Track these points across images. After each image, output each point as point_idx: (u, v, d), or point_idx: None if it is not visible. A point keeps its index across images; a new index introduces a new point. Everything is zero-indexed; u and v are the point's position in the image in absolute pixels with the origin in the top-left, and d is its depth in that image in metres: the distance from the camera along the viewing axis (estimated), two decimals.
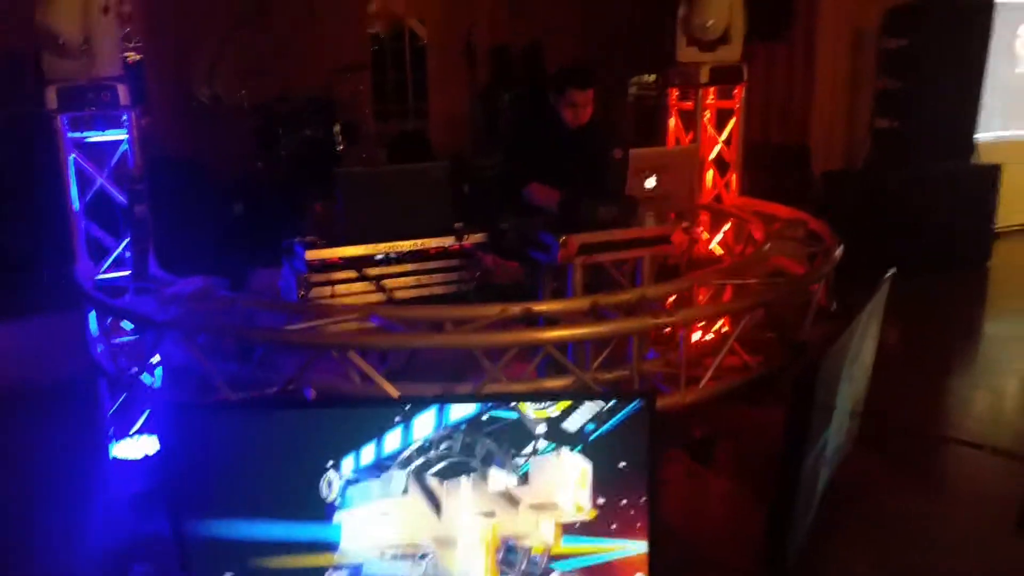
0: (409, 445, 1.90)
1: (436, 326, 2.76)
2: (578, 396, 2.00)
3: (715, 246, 4.67)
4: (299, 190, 6.89)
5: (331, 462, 1.88)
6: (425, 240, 3.26)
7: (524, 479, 1.88)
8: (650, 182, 3.60)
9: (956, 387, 4.29)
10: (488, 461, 1.88)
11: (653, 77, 9.18)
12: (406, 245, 3.23)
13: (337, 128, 7.81)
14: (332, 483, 1.87)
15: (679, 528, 2.85)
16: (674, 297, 3.23)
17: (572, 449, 1.90)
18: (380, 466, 1.91)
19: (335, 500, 1.88)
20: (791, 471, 2.43)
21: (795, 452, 2.42)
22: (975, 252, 6.44)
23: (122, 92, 3.26)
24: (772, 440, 3.17)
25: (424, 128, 9.50)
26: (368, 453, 1.93)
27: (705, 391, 2.78)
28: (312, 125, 7.83)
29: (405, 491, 1.90)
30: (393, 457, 1.91)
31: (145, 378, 2.99)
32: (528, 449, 1.88)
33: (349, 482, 1.88)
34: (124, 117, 3.32)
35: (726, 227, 4.66)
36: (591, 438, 1.91)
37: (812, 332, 3.21)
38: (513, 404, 1.86)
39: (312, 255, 3.08)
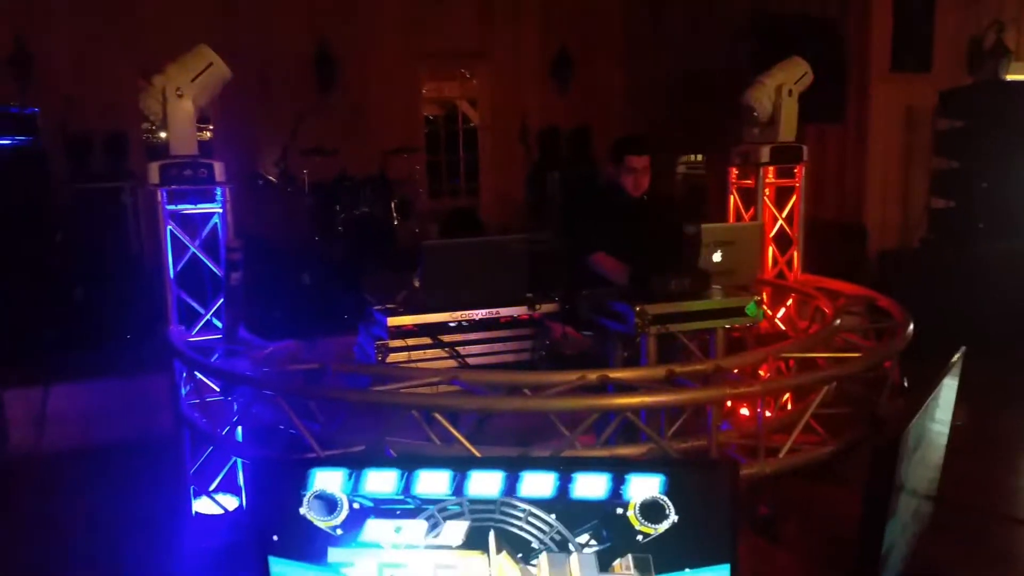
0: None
1: (514, 391, 2.81)
2: (664, 464, 2.03)
3: (779, 322, 4.68)
4: (356, 263, 7.14)
5: None
6: (499, 308, 3.35)
7: None
8: (717, 256, 3.68)
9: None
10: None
11: (700, 157, 9.39)
12: (480, 313, 3.32)
13: (393, 205, 8.09)
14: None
15: None
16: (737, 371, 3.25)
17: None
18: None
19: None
20: (874, 545, 2.39)
21: (877, 522, 2.38)
22: None
23: (218, 169, 3.47)
24: (837, 517, 3.12)
25: (475, 205, 9.79)
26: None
27: (784, 462, 2.77)
28: (368, 202, 8.12)
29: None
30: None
31: (238, 435, 3.09)
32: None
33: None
34: (218, 191, 3.52)
35: (788, 303, 4.68)
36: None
37: (887, 408, 3.19)
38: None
39: (394, 322, 3.18)
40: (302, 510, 1.99)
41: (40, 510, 3.85)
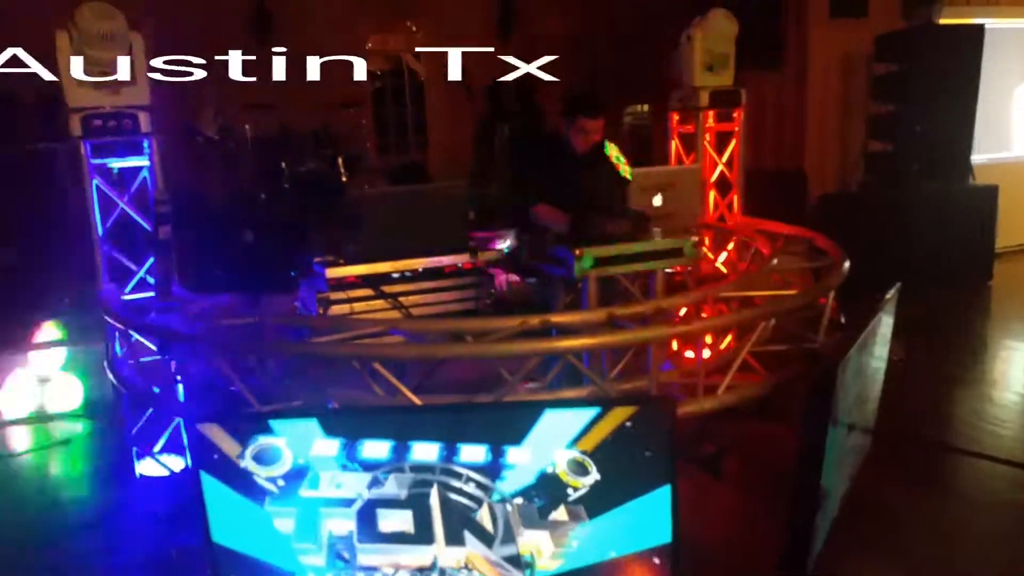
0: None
1: (456, 339, 2.81)
2: (602, 403, 2.05)
3: (720, 264, 4.75)
4: (303, 219, 7.00)
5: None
6: (439, 258, 3.33)
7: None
8: (656, 200, 3.70)
9: (965, 398, 4.34)
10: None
11: (647, 107, 9.39)
12: (421, 263, 3.30)
13: (340, 160, 7.96)
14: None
15: (690, 540, 2.87)
16: (684, 311, 3.30)
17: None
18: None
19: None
20: (812, 478, 2.46)
21: (814, 455, 2.45)
22: (976, 272, 6.54)
23: (143, 119, 3.34)
24: (780, 454, 3.22)
25: (424, 160, 9.67)
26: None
27: (723, 399, 2.83)
28: (314, 158, 7.97)
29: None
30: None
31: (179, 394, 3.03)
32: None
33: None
34: (145, 144, 3.40)
35: (730, 246, 4.75)
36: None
37: (824, 343, 3.27)
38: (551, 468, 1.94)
39: (332, 273, 3.15)
40: (243, 463, 1.98)
41: None
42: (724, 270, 4.70)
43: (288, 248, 6.21)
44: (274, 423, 1.98)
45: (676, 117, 4.75)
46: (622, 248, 3.03)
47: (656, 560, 2.05)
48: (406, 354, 2.54)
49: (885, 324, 3.28)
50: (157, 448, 3.46)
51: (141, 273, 3.40)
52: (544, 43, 9.59)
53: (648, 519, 2.01)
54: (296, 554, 2.04)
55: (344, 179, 7.96)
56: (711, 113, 4.75)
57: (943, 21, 6.72)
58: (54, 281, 5.23)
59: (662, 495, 1.99)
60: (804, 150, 7.28)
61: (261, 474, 1.99)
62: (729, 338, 4.04)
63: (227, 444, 1.98)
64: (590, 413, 1.95)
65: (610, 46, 9.06)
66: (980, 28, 6.54)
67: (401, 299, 3.40)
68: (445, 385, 3.02)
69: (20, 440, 4.18)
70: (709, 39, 4.56)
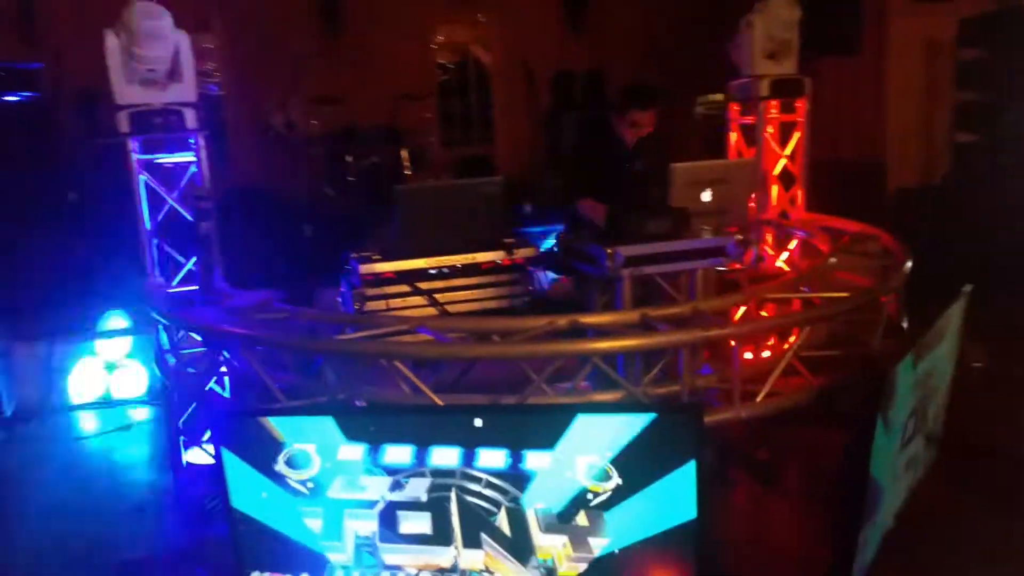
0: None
1: (485, 338, 2.76)
2: (625, 408, 1.97)
3: (782, 263, 4.54)
4: (366, 213, 7.08)
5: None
6: (475, 255, 3.27)
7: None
8: (706, 195, 3.54)
9: None
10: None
11: (721, 96, 9.09)
12: (457, 259, 3.26)
13: (404, 154, 8.01)
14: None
15: (743, 551, 2.75)
16: (742, 312, 3.14)
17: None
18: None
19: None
20: (858, 488, 2.31)
21: (863, 468, 2.30)
22: None
23: (189, 116, 3.41)
24: (838, 461, 3.04)
25: (490, 153, 9.64)
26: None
27: (762, 407, 2.68)
28: (379, 152, 8.05)
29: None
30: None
31: (214, 387, 3.09)
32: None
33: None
34: (192, 140, 3.47)
35: (793, 244, 4.53)
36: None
37: (882, 349, 3.07)
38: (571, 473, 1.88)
39: (366, 269, 3.13)
40: (276, 467, 2.01)
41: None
42: (786, 268, 4.48)
43: (347, 242, 6.31)
44: (296, 421, 1.99)
45: (736, 107, 4.55)
46: (658, 246, 2.90)
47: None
48: (427, 353, 2.50)
49: (952, 329, 3.05)
50: (205, 438, 3.54)
51: (188, 266, 3.47)
52: (614, 33, 9.46)
53: (671, 531, 1.91)
54: (324, 550, 2.07)
55: (409, 173, 8.02)
56: (774, 103, 4.53)
57: None
58: (124, 271, 5.45)
59: (686, 505, 1.90)
60: (884, 140, 6.91)
61: (293, 477, 2.01)
62: (772, 342, 3.85)
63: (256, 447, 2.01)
64: (614, 419, 1.89)
65: (684, 33, 8.80)
66: None
67: (437, 296, 3.37)
68: (480, 384, 2.98)
69: (87, 424, 4.37)
70: (769, 25, 4.34)
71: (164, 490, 3.49)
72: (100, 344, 4.58)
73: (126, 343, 4.63)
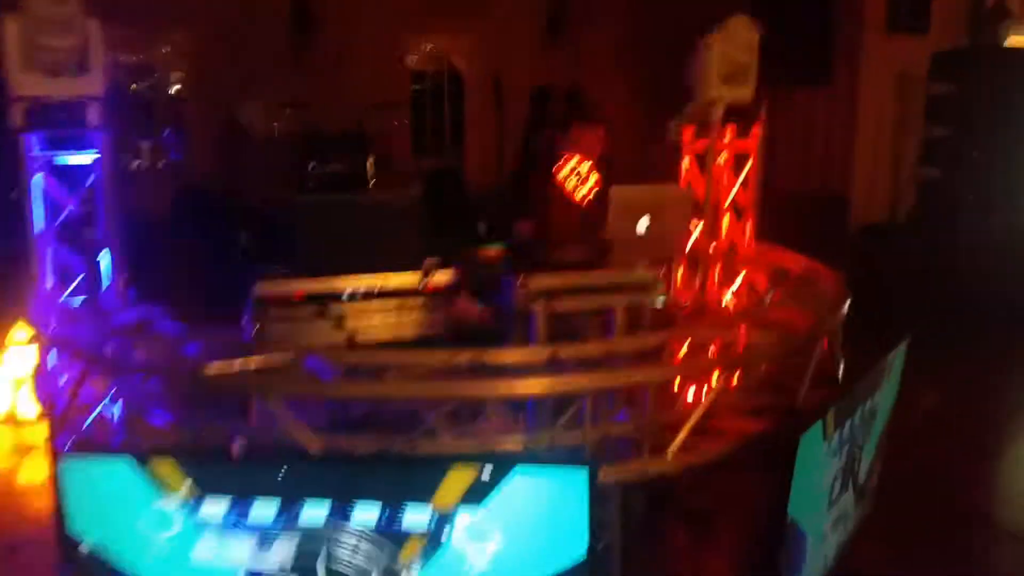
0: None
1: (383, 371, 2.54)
2: (508, 460, 1.76)
3: (729, 298, 4.35)
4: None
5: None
6: (386, 277, 3.06)
7: None
8: (642, 224, 3.35)
9: (1002, 464, 3.84)
10: None
11: None
12: (365, 282, 3.04)
13: (370, 162, 7.79)
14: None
15: None
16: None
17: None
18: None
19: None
20: (775, 545, 2.12)
21: (779, 526, 2.11)
22: None
23: (92, 111, 3.18)
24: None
25: (460, 166, 9.45)
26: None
27: (674, 463, 2.47)
28: (344, 159, 7.82)
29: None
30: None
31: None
32: None
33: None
34: (95, 138, 3.24)
35: (740, 278, 4.35)
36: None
37: (810, 398, 2.88)
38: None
39: (262, 289, 2.90)
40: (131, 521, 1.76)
41: None
42: (731, 303, 4.29)
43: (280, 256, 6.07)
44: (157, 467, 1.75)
45: (690, 132, 4.37)
46: (574, 278, 2.69)
47: None
48: (301, 391, 2.27)
49: (892, 378, 2.87)
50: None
51: (80, 277, 3.24)
52: (594, 49, 9.31)
53: None
54: None
55: (372, 181, 7.80)
56: (730, 130, 4.35)
57: (1010, 43, 6.14)
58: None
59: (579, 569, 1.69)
60: (852, 173, 6.77)
61: (150, 533, 1.77)
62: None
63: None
64: (498, 471, 1.67)
65: (662, 53, 8.66)
66: None
67: (349, 321, 3.16)
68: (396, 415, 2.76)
69: None
70: (728, 46, 4.16)
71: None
72: (7, 356, 4.30)
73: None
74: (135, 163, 8.78)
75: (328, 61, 8.42)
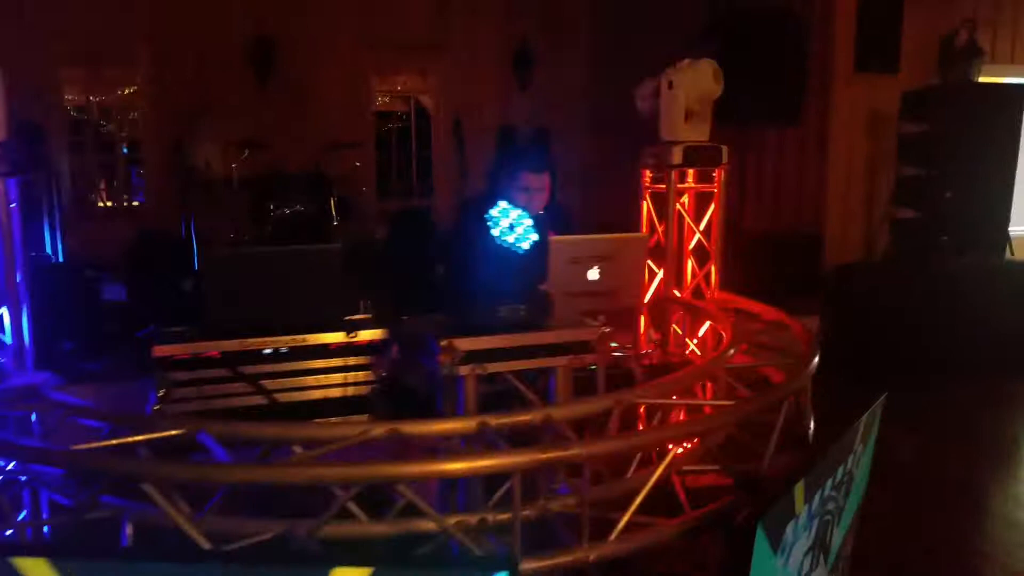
0: None
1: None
2: (402, 560, 1.44)
3: (694, 347, 4.08)
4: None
5: None
6: (305, 335, 2.76)
7: None
8: (593, 273, 3.08)
9: (985, 519, 3.55)
10: None
11: None
12: (276, 341, 2.74)
13: (332, 203, 7.54)
14: None
15: None
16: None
17: None
18: None
19: None
20: None
21: None
22: (1014, 360, 5.63)
23: None
24: None
25: (428, 206, 9.24)
26: None
27: (613, 546, 2.17)
28: (305, 200, 7.55)
29: None
30: None
31: None
32: None
33: None
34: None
35: (703, 330, 4.08)
36: None
37: (773, 466, 2.59)
38: None
39: (162, 351, 2.59)
40: None
41: None
42: (698, 353, 4.02)
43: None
44: None
45: (648, 175, 4.14)
46: (507, 339, 2.40)
47: None
48: (176, 474, 1.94)
49: (868, 440, 2.59)
50: None
51: None
52: (562, 89, 9.19)
53: None
54: None
55: (335, 223, 7.54)
56: (692, 173, 4.13)
57: (982, 79, 6.02)
58: None
59: None
60: (825, 214, 6.59)
61: None
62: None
63: None
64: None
65: (628, 94, 8.54)
66: (1022, 88, 5.80)
67: (268, 383, 2.85)
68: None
69: None
70: (690, 88, 3.96)
71: None
72: None
73: None
74: (97, 203, 8.57)
75: (289, 101, 8.25)
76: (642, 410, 3.00)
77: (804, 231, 6.57)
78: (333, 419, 2.75)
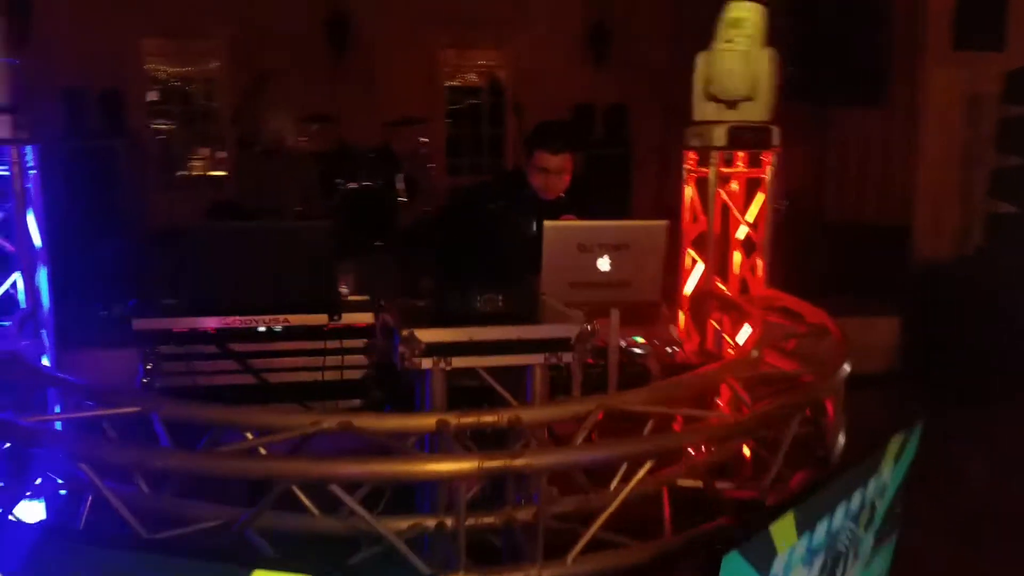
0: None
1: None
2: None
3: (731, 347, 3.76)
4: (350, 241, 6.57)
5: None
6: (287, 316, 2.66)
7: None
8: (603, 264, 2.85)
9: None
10: None
11: None
12: (262, 320, 2.65)
13: (401, 179, 7.52)
14: None
15: None
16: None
17: None
18: None
19: None
20: None
21: None
22: None
23: (4, 123, 2.92)
24: None
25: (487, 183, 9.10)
26: None
27: (574, 568, 1.96)
28: (373, 176, 7.57)
29: None
30: None
31: None
32: None
33: None
34: (28, 151, 3.00)
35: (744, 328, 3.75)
36: None
37: (763, 492, 2.31)
38: None
39: (140, 324, 2.55)
40: None
41: None
42: (732, 354, 3.70)
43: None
44: None
45: (693, 157, 3.83)
46: (475, 332, 2.22)
47: None
48: (110, 458, 1.88)
49: (898, 469, 2.27)
50: None
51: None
52: (639, 68, 8.83)
53: None
54: None
55: (402, 200, 7.51)
56: (742, 156, 3.79)
57: None
58: None
59: None
60: (914, 205, 6.04)
61: None
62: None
63: None
64: None
65: None
66: None
67: (261, 364, 2.78)
68: None
69: None
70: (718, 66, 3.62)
71: None
72: None
73: None
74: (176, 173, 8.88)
75: (361, 76, 8.28)
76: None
77: (889, 224, 6.05)
78: (312, 403, 2.66)
